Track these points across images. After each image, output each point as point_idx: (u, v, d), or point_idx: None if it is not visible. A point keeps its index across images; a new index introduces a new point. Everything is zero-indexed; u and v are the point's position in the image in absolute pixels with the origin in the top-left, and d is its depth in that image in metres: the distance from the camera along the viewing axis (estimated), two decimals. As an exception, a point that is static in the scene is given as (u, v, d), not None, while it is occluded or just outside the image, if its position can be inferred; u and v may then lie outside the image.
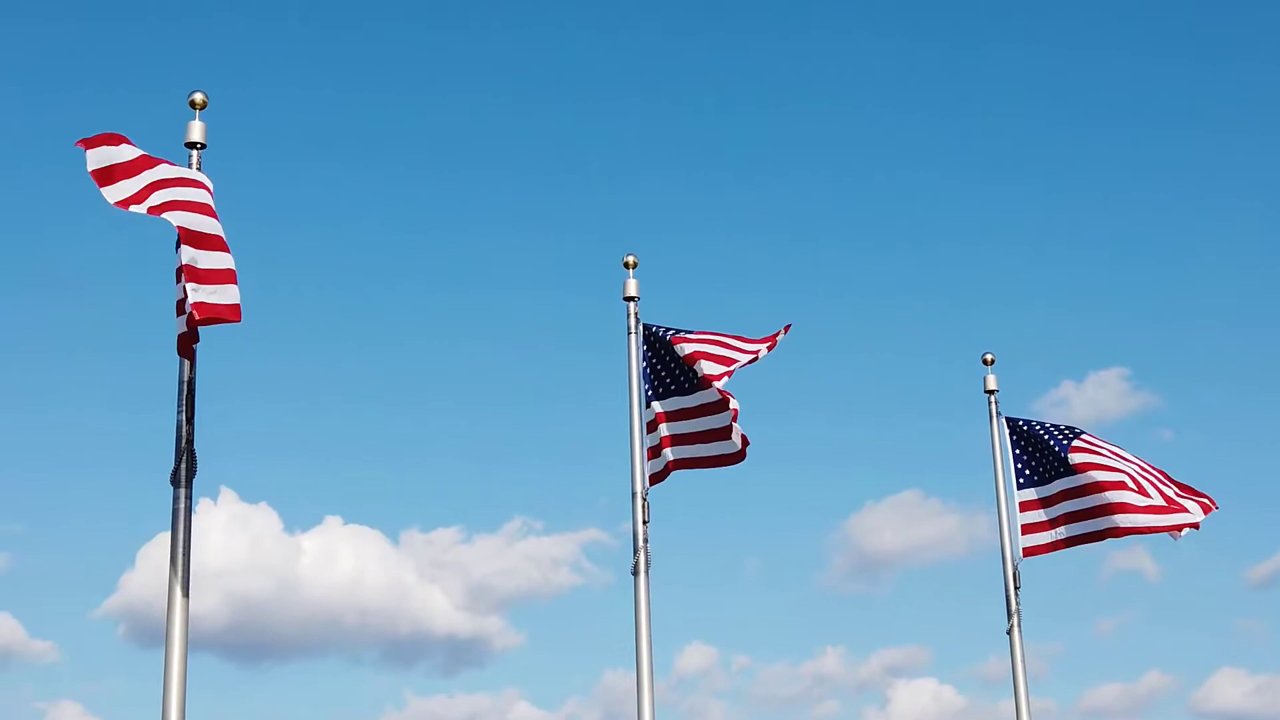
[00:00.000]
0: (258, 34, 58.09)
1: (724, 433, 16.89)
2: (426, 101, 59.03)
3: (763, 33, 59.80)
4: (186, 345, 12.95)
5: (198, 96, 13.83)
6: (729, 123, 59.72)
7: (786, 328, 17.19)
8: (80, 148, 13.07)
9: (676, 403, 17.25)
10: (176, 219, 12.58)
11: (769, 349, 17.13)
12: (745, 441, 16.86)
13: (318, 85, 58.48)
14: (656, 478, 17.32)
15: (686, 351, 16.93)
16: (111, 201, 12.75)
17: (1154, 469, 20.04)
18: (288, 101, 58.08)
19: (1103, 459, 19.89)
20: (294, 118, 58.16)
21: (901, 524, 53.77)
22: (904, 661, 49.65)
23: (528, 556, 51.48)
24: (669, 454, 17.19)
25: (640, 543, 16.79)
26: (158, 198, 12.81)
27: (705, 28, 60.06)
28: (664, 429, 17.29)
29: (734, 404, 16.54)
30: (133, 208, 12.71)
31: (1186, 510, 19.51)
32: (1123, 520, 19.64)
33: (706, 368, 16.66)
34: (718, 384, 16.48)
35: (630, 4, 60.32)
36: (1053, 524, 20.20)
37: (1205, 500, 19.87)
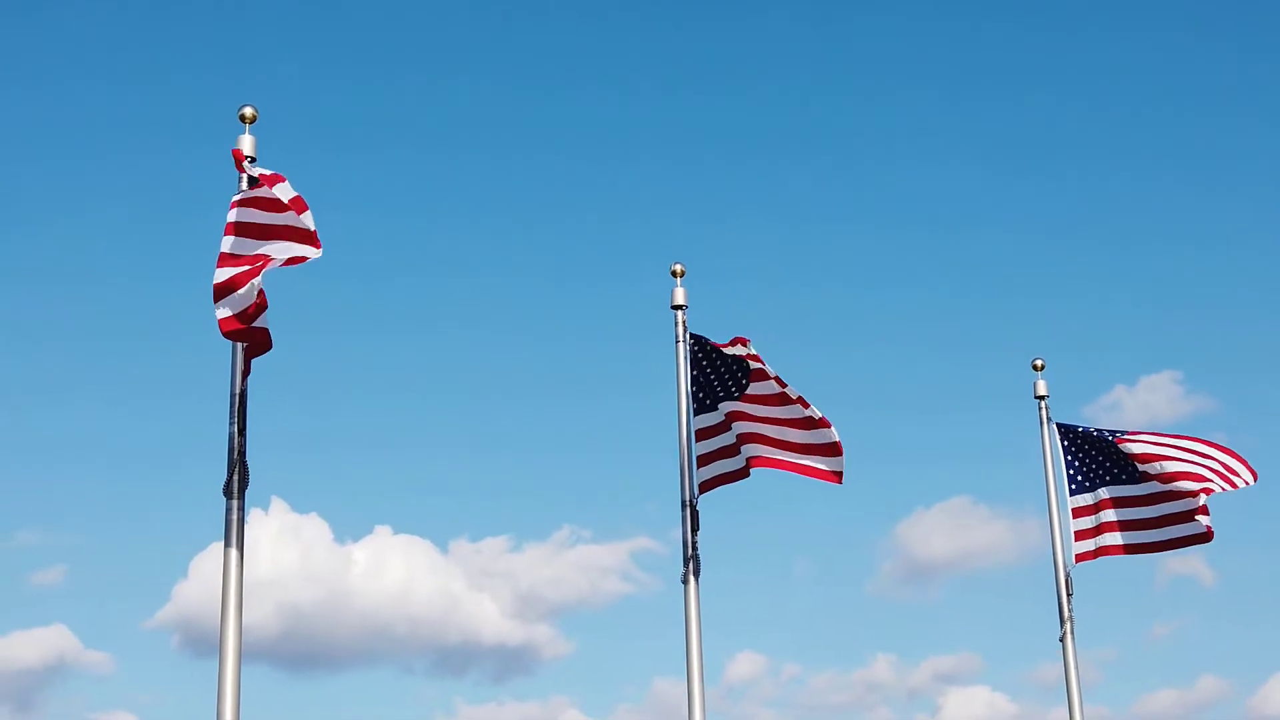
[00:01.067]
0: (298, 36, 58.43)
1: (822, 449, 16.89)
2: (475, 93, 59.19)
3: (820, 20, 59.71)
4: (234, 328, 12.81)
5: (248, 110, 13.89)
6: (772, 116, 59.61)
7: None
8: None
9: (742, 406, 17.28)
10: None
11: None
12: (839, 476, 16.92)
13: (360, 79, 58.69)
14: (727, 478, 17.31)
15: (739, 351, 17.03)
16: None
17: (1197, 451, 19.94)
18: (333, 97, 58.34)
19: (1158, 464, 19.86)
20: (339, 111, 58.32)
21: (952, 530, 53.56)
22: (955, 669, 49.44)
23: (577, 565, 51.59)
24: (751, 450, 17.21)
25: (690, 551, 16.78)
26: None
27: (770, 18, 59.91)
28: (740, 427, 17.30)
29: (835, 435, 16.73)
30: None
31: (1206, 513, 19.59)
32: (1177, 532, 19.72)
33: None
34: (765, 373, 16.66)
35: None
36: (1104, 530, 20.14)
37: (1242, 477, 19.83)
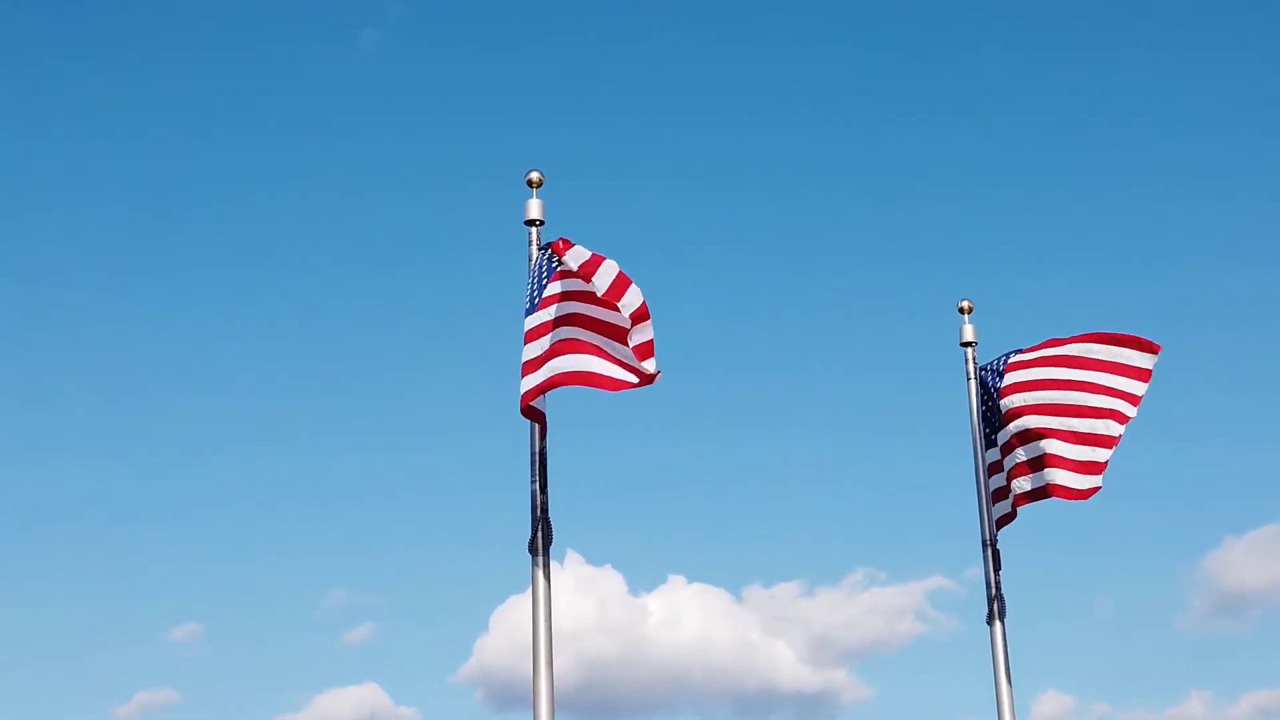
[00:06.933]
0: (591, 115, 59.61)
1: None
2: (758, 129, 59.17)
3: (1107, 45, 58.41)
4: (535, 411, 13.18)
5: (534, 175, 14.29)
6: (1059, 146, 58.36)
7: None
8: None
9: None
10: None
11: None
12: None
13: (646, 118, 59.40)
14: (1004, 520, 16.93)
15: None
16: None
17: None
18: (614, 139, 59.33)
19: None
20: (628, 148, 58.96)
21: (1265, 559, 51.41)
22: (1278, 704, 47.35)
23: (871, 607, 51.14)
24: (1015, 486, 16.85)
25: (994, 591, 16.48)
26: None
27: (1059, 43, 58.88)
28: (1006, 462, 16.94)
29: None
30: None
31: None
32: None
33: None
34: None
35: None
36: None
37: None
